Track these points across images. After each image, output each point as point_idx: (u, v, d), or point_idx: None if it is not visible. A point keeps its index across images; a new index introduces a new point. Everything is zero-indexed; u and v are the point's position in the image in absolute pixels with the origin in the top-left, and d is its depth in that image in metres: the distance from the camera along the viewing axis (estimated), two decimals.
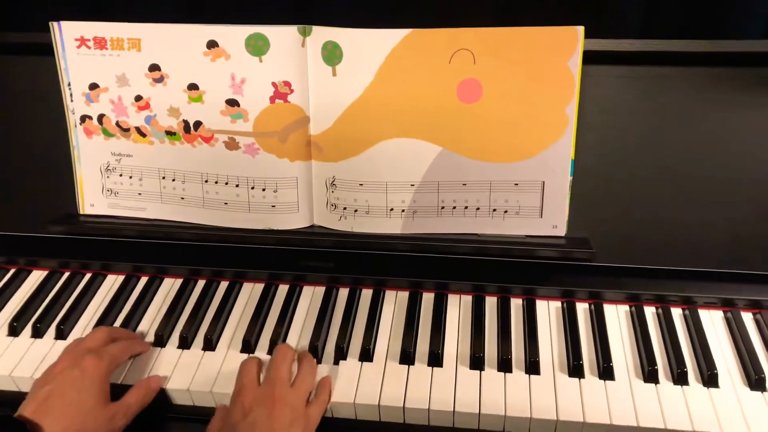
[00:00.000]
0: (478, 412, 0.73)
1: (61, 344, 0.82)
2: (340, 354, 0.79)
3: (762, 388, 0.74)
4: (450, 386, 0.75)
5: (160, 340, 0.83)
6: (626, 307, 0.85)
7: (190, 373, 0.79)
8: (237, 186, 0.88)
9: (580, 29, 0.77)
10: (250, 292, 0.90)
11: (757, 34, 0.93)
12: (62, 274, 0.94)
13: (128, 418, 0.73)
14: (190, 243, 0.92)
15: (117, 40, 0.85)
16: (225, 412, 0.72)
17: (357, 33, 0.80)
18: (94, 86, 0.88)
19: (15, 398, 0.73)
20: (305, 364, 0.76)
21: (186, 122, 0.87)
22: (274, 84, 0.83)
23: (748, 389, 0.74)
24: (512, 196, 0.85)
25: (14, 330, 0.85)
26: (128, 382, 0.77)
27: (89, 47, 0.86)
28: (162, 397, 0.78)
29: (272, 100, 0.83)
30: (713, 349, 0.78)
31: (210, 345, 0.82)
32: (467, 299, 0.87)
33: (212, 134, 0.86)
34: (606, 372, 0.76)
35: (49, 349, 0.82)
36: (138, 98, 0.87)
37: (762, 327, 0.81)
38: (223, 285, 0.91)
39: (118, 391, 0.75)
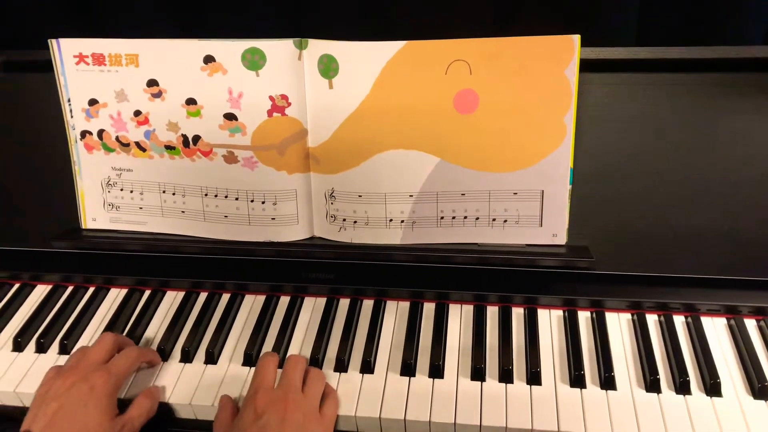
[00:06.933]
0: (479, 423, 0.73)
1: (65, 359, 0.82)
2: (341, 366, 0.80)
3: (765, 397, 0.74)
4: (451, 398, 0.75)
5: (163, 354, 0.83)
6: (628, 315, 0.84)
7: (192, 386, 0.79)
8: (236, 199, 0.88)
9: (576, 38, 0.77)
10: (251, 305, 0.90)
11: (755, 39, 0.93)
12: (66, 288, 0.95)
13: (134, 430, 0.74)
14: (191, 256, 0.92)
15: (115, 56, 0.85)
16: (232, 406, 0.75)
17: (352, 46, 0.80)
18: (93, 102, 0.89)
19: (18, 413, 0.74)
20: (312, 372, 0.77)
21: (185, 136, 0.87)
22: (271, 98, 0.83)
23: (751, 398, 0.74)
24: (511, 206, 0.84)
25: (18, 345, 0.85)
26: (131, 396, 0.78)
27: (88, 63, 0.87)
28: (165, 410, 0.78)
29: (270, 113, 0.84)
30: (716, 357, 0.78)
31: (212, 358, 0.82)
32: (468, 309, 0.86)
33: (211, 148, 0.87)
34: (607, 382, 0.76)
35: (53, 363, 0.82)
36: (137, 113, 0.88)
37: (766, 334, 0.80)
38: (225, 297, 0.91)
39: (120, 405, 0.75)
